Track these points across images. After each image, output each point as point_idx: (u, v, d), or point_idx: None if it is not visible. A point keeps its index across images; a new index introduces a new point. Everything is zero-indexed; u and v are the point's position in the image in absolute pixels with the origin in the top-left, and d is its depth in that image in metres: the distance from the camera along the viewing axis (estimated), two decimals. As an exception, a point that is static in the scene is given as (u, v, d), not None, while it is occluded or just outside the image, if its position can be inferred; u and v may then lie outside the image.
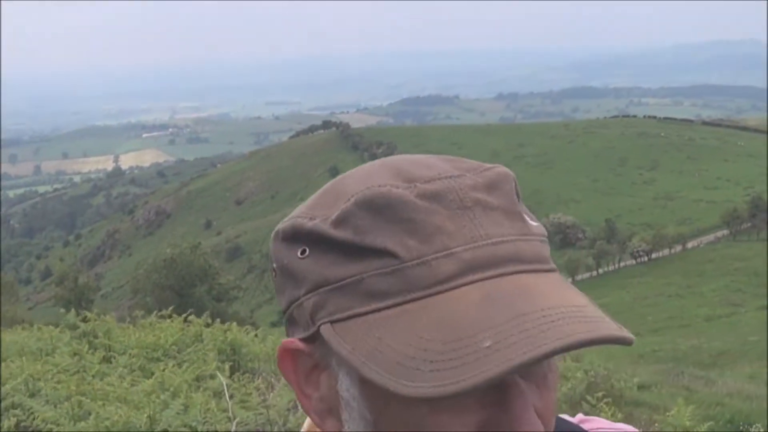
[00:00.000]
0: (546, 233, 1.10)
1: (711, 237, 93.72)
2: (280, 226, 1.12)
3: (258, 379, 7.57)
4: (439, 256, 0.98)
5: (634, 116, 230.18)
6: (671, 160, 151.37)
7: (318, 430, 1.17)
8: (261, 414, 6.13)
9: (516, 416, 0.97)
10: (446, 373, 0.91)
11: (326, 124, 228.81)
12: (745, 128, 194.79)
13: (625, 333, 0.96)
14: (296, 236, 1.08)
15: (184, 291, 50.30)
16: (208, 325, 9.33)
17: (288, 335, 1.13)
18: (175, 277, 53.61)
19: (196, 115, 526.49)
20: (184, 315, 9.60)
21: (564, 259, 79.99)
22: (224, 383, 6.14)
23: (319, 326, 1.03)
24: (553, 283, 1.03)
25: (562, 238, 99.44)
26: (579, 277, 76.58)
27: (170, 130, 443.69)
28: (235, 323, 10.13)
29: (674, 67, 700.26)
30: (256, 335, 10.48)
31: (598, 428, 1.23)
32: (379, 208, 1.01)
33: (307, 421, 1.25)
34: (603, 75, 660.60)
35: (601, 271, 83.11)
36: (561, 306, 0.96)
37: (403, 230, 1.00)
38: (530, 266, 1.02)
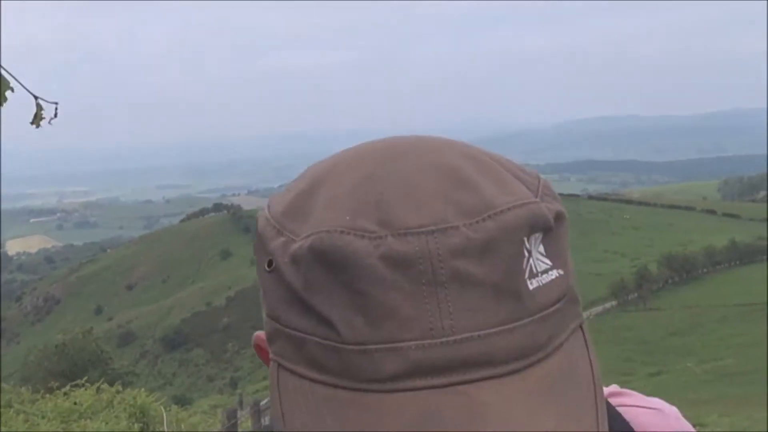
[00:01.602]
0: (566, 292, 0.88)
1: (600, 308, 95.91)
2: (261, 214, 0.98)
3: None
4: (383, 348, 0.81)
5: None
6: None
7: None
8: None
9: None
10: None
11: (217, 207, 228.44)
12: (629, 201, 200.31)
13: None
14: (266, 244, 0.93)
15: (77, 377, 49.75)
16: (119, 392, 9.91)
17: None
18: (67, 363, 53.04)
19: (85, 199, 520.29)
20: (97, 384, 10.17)
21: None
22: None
23: (271, 355, 0.93)
24: (518, 396, 0.82)
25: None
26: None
27: (58, 215, 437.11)
28: (143, 389, 10.71)
29: (557, 145, 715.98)
30: (162, 404, 11.03)
31: (621, 403, 1.10)
32: (333, 264, 0.84)
33: None
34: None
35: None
36: None
37: (353, 302, 0.82)
38: (501, 369, 0.82)
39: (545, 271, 0.86)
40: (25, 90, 2.59)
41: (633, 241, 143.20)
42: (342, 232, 0.83)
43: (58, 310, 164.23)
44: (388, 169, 0.89)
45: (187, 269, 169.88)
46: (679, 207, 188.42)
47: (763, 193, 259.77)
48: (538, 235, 0.87)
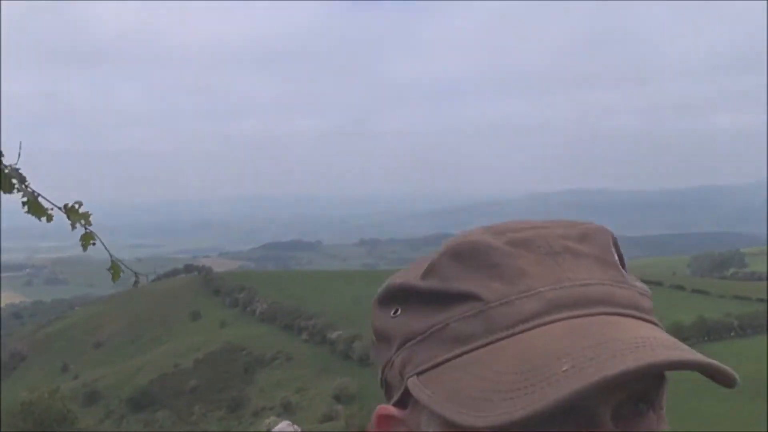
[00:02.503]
0: (649, 293, 1.11)
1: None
2: (379, 290, 1.18)
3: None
4: (523, 296, 1.00)
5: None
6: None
7: None
8: None
9: None
10: (517, 400, 0.91)
11: (188, 268, 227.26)
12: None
13: (720, 364, 0.95)
14: (389, 296, 1.14)
15: (40, 437, 49.44)
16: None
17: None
18: (33, 422, 52.69)
19: (56, 255, 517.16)
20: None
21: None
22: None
23: (406, 381, 1.04)
24: (650, 327, 1.01)
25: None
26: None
27: (27, 270, 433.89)
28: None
29: (529, 215, 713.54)
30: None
31: None
32: (465, 255, 1.04)
33: None
34: (464, 222, 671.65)
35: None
36: (653, 337, 0.96)
37: (488, 275, 1.02)
38: (624, 310, 1.01)
39: (633, 278, 1.11)
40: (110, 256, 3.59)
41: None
42: (470, 236, 1.08)
43: (24, 367, 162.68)
44: (502, 225, 1.15)
45: (156, 329, 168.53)
46: (648, 281, 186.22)
47: (732, 270, 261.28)
48: (615, 255, 1.12)
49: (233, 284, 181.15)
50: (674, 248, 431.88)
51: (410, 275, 1.11)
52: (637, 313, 1.03)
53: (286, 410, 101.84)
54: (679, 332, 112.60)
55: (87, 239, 3.48)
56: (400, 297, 1.11)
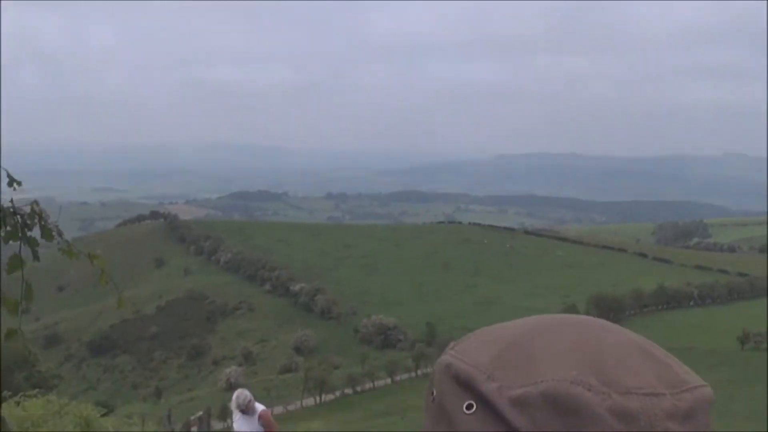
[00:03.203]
0: None
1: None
2: (456, 362, 1.11)
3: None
4: None
5: (459, 222, 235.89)
6: (493, 267, 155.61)
7: None
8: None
9: None
10: None
11: (154, 215, 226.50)
12: (564, 239, 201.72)
13: None
14: (469, 387, 1.07)
15: (1, 377, 49.46)
16: (66, 405, 10.40)
17: None
18: (-5, 364, 52.59)
19: (18, 197, 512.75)
20: (46, 395, 10.67)
21: (384, 360, 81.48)
22: None
23: None
24: None
25: (383, 339, 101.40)
26: (398, 378, 77.93)
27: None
28: (90, 404, 11.20)
29: (498, 176, 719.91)
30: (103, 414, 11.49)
31: None
32: (564, 409, 1.01)
33: None
34: (432, 180, 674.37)
35: (420, 372, 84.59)
36: None
37: None
38: None
39: None
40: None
41: (564, 278, 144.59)
42: (572, 382, 1.03)
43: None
44: (594, 338, 1.07)
45: (120, 275, 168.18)
46: (611, 248, 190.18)
47: (696, 240, 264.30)
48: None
49: (199, 232, 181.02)
50: (640, 215, 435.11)
51: (497, 381, 1.08)
52: None
53: (247, 360, 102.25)
54: (639, 299, 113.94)
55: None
56: (480, 399, 1.07)
